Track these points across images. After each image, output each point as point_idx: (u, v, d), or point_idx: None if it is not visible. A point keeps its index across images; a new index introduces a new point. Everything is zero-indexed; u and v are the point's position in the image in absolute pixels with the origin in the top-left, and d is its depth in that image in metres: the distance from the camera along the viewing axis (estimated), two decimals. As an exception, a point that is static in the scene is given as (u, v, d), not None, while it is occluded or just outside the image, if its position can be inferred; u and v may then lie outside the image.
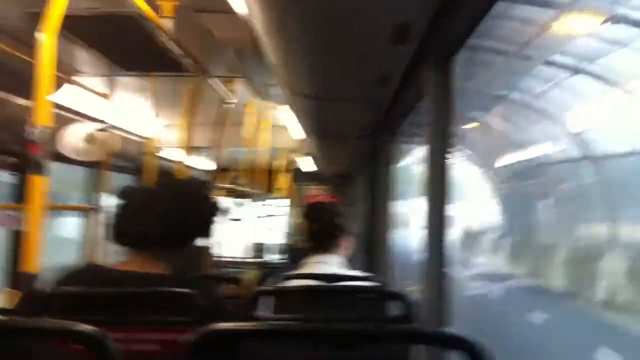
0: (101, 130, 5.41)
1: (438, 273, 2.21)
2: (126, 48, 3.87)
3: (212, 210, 2.11)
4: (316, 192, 12.31)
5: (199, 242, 2.13)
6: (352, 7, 2.02)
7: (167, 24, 3.35)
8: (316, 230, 2.83)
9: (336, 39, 2.39)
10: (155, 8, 3.24)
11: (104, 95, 5.18)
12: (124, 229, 1.98)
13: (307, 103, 3.62)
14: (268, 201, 9.61)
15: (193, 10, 3.39)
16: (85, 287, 1.81)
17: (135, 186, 2.04)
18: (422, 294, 2.28)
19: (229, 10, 2.91)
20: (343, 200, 10.15)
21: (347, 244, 2.84)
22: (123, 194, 2.01)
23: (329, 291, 2.31)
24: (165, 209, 1.95)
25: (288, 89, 3.44)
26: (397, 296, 2.10)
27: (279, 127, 7.38)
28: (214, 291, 2.12)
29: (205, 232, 2.12)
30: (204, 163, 9.70)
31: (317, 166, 9.33)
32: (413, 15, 2.12)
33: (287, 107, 4.54)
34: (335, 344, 0.98)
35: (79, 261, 6.52)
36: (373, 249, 4.96)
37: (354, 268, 2.93)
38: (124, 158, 7.18)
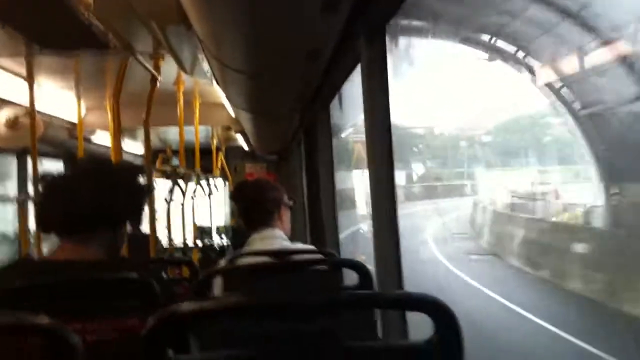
0: (24, 114, 5.19)
1: (391, 240, 2.20)
2: (45, 25, 3.67)
3: (140, 191, 2.04)
4: (254, 170, 12.24)
5: (143, 228, 2.06)
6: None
7: (87, -4, 3.19)
8: (245, 209, 2.80)
9: (265, 10, 2.32)
10: (74, -19, 3.08)
11: (25, 78, 4.93)
12: (48, 216, 1.91)
13: (237, 78, 3.54)
14: (206, 182, 9.48)
15: (114, -17, 3.24)
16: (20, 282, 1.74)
17: (56, 172, 1.96)
18: (377, 261, 2.27)
19: (152, -18, 2.78)
20: (282, 176, 10.12)
21: (286, 217, 2.81)
22: (44, 180, 1.93)
23: (282, 266, 2.27)
24: (89, 192, 1.88)
25: (216, 64, 3.35)
26: (353, 265, 2.08)
27: (213, 104, 7.23)
28: (159, 274, 2.07)
29: (136, 214, 2.06)
30: (135, 145, 9.48)
31: (252, 144, 9.24)
32: (343, -17, 2.06)
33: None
34: (303, 315, 0.97)
35: (16, 254, 6.31)
36: (318, 222, 4.95)
37: (299, 241, 2.91)
38: (52, 143, 6.93)
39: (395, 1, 2.16)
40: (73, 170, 2.02)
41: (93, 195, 1.87)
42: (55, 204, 1.90)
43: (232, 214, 11.69)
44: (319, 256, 2.53)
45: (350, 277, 2.12)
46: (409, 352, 1.00)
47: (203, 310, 0.94)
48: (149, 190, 2.12)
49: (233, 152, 11.86)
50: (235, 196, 2.87)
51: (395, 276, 2.13)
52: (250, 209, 2.79)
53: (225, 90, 4.57)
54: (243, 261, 2.45)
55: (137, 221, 2.16)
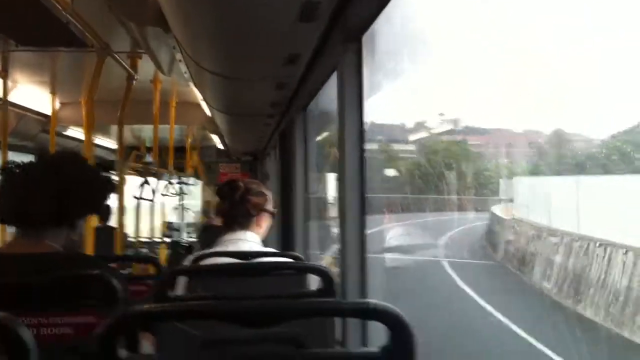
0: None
1: (357, 247, 2.23)
2: (22, 22, 3.66)
3: (101, 185, 2.04)
4: (228, 170, 12.23)
5: (110, 222, 2.04)
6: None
7: (66, -4, 3.18)
8: (227, 209, 2.78)
9: (243, 15, 2.34)
10: (53, -20, 3.07)
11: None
12: (5, 208, 1.90)
13: (214, 81, 3.56)
14: (178, 179, 9.46)
15: (93, -18, 3.24)
16: None
17: (16, 162, 1.94)
18: (342, 267, 2.29)
19: (132, -17, 2.79)
20: (256, 177, 10.14)
21: (265, 223, 2.80)
22: (3, 171, 1.91)
23: (247, 268, 2.28)
24: (45, 187, 1.87)
25: (193, 66, 3.36)
26: (317, 271, 2.10)
27: (189, 104, 7.23)
28: (117, 271, 2.06)
29: (95, 209, 2.05)
30: (108, 141, 9.44)
31: (227, 144, 9.24)
32: (321, -7, 2.10)
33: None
34: (258, 322, 0.97)
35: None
36: (289, 226, 4.96)
37: (268, 245, 2.91)
38: (24, 137, 6.88)
39: (372, 12, 2.20)
40: (34, 164, 2.01)
41: (49, 191, 1.86)
42: (11, 196, 1.88)
43: (204, 212, 11.66)
44: (285, 260, 2.55)
45: (316, 280, 2.15)
46: (365, 359, 1.04)
47: (158, 313, 0.96)
48: (113, 187, 2.11)
49: (208, 151, 11.85)
50: (220, 193, 2.85)
51: (359, 283, 2.17)
52: (231, 208, 2.78)
53: (201, 91, 4.58)
54: (209, 261, 2.46)
55: (104, 216, 2.16)
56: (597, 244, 12.82)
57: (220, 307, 0.97)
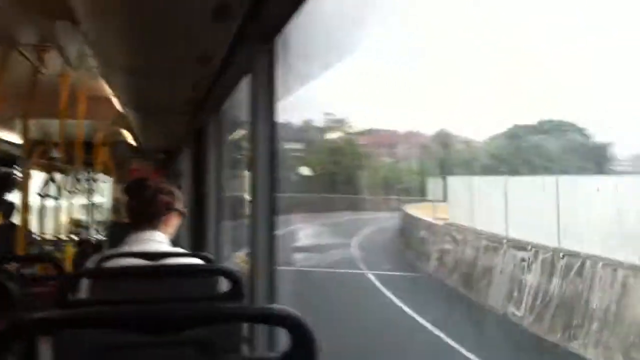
0: None
1: (267, 248, 2.23)
2: None
3: (1, 181, 1.96)
4: (139, 167, 11.95)
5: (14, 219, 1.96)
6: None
7: (-32, -16, 3.04)
8: (136, 207, 2.73)
9: (154, 10, 2.31)
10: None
11: None
12: None
13: (124, 77, 3.49)
14: (87, 176, 9.18)
15: (-2, -29, 3.11)
16: None
17: None
18: (252, 268, 2.29)
19: (40, -27, 2.69)
20: (167, 175, 9.99)
21: (174, 222, 2.76)
22: None
23: (150, 271, 2.24)
24: None
25: (103, 61, 3.29)
26: (226, 273, 2.08)
27: (100, 98, 7.02)
28: (13, 272, 1.99)
29: None
30: (12, 136, 9.06)
31: (139, 141, 9.05)
32: (233, -6, 2.09)
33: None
34: (157, 330, 0.95)
35: None
36: (201, 226, 4.91)
37: (179, 245, 2.87)
38: None
39: (285, 14, 2.21)
40: None
41: None
42: None
43: (114, 209, 11.36)
44: (194, 260, 2.52)
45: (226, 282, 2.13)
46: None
47: (51, 321, 0.93)
48: (14, 183, 2.03)
49: (120, 147, 11.54)
50: (129, 191, 2.80)
51: (268, 287, 2.17)
52: (139, 207, 2.73)
53: (112, 87, 4.48)
54: (115, 262, 2.40)
55: (6, 213, 2.08)
56: (600, 264, 10.34)
57: (118, 314, 0.95)
